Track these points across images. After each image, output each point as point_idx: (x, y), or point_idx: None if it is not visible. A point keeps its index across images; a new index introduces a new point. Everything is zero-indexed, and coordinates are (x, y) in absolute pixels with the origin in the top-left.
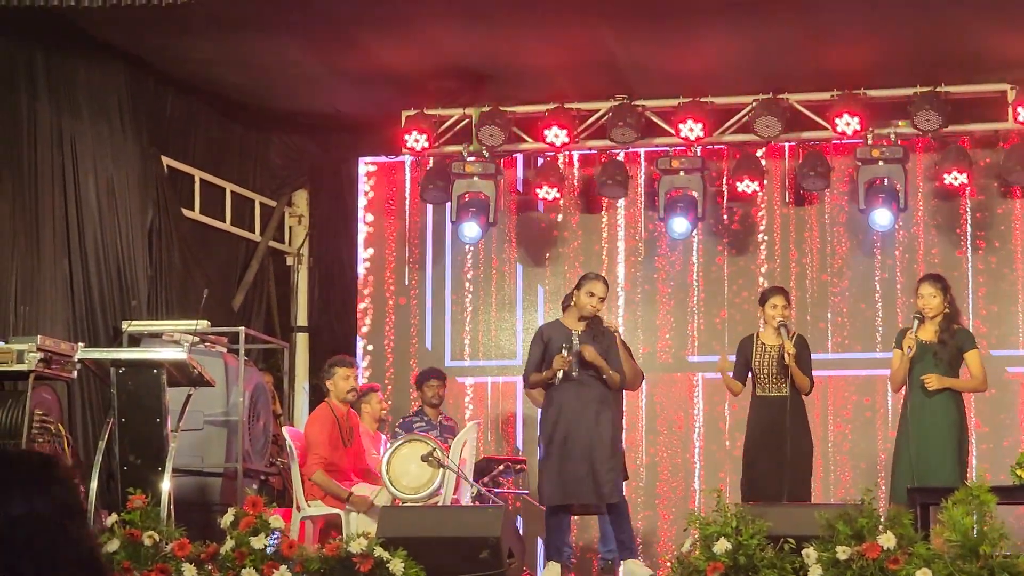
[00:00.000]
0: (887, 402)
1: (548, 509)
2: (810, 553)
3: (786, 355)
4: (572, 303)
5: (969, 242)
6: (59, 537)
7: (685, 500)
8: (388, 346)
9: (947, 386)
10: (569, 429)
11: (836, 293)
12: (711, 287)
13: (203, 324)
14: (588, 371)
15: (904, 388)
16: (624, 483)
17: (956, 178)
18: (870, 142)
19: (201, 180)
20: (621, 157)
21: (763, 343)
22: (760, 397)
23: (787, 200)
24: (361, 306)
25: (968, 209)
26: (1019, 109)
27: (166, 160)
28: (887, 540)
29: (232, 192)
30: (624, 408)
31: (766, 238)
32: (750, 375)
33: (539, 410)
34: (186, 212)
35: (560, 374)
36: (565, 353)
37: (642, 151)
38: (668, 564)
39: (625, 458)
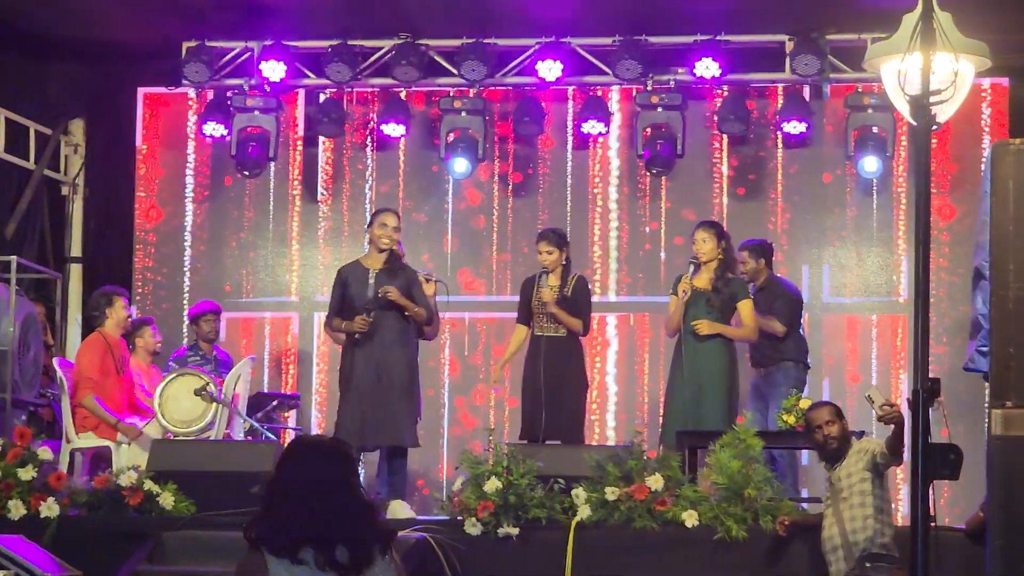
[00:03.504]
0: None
1: None
2: (579, 493)
3: (545, 296)
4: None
5: (730, 185)
6: (340, 493)
7: (462, 441)
8: (163, 279)
9: (717, 332)
10: (366, 372)
11: (616, 236)
12: (488, 228)
13: None
14: (388, 311)
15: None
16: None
17: (735, 126)
18: (650, 88)
19: None
20: (403, 95)
21: (542, 285)
22: (536, 337)
23: (567, 144)
24: (136, 238)
25: (741, 157)
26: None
27: None
28: (655, 482)
29: (6, 119)
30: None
31: (546, 181)
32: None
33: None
34: None
35: (358, 335)
36: (367, 315)
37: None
38: (440, 504)
39: (420, 399)
